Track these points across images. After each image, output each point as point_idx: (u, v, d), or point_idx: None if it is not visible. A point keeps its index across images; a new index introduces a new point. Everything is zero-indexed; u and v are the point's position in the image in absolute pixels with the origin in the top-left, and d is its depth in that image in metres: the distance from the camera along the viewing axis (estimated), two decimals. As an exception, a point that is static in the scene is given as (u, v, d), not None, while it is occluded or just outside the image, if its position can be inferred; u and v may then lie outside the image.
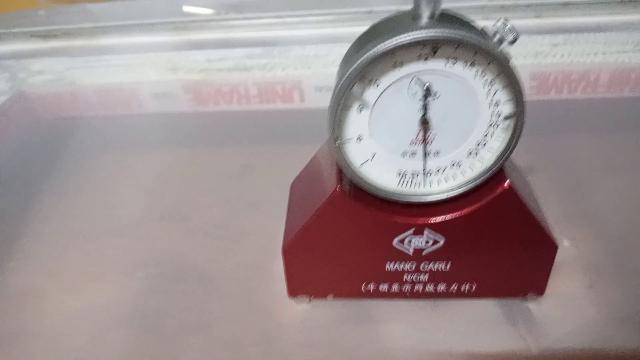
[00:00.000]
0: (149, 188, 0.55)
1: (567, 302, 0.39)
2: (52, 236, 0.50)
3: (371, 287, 0.38)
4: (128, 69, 0.77)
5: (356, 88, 0.30)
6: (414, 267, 0.36)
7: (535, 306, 0.39)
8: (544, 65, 0.66)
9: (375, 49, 0.28)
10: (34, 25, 0.88)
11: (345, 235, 0.35)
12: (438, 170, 0.33)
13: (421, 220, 0.34)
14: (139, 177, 0.57)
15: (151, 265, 0.45)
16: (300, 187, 0.41)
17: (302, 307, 0.40)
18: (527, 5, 0.75)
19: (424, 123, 0.31)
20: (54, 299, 0.43)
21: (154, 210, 0.52)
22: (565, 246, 0.43)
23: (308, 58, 0.71)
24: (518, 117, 0.30)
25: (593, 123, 0.59)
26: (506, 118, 0.31)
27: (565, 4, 0.75)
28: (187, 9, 0.85)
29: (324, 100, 0.66)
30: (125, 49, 0.84)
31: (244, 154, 0.59)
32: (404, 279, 0.37)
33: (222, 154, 0.60)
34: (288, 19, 0.80)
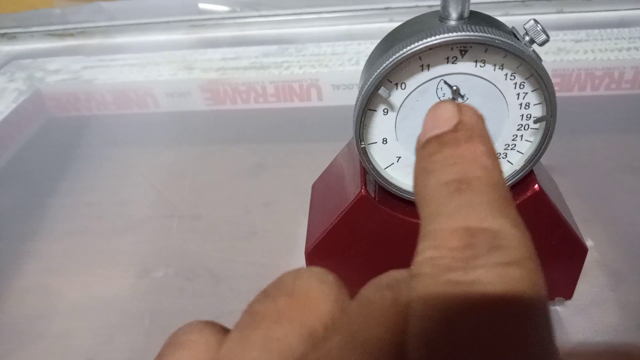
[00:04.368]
0: (160, 186, 0.55)
1: (591, 305, 0.38)
2: (63, 233, 0.50)
3: (395, 290, 0.37)
4: (143, 68, 0.77)
5: (382, 91, 0.29)
6: (439, 270, 0.36)
7: (560, 309, 0.38)
8: (566, 61, 0.65)
9: (402, 51, 0.28)
10: (50, 24, 0.88)
11: (370, 238, 0.35)
12: (465, 174, 0.32)
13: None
14: (150, 174, 0.57)
15: (161, 263, 0.45)
16: (323, 188, 0.40)
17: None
18: (549, 0, 0.74)
19: (452, 126, 0.30)
20: (62, 296, 0.43)
21: (164, 208, 0.52)
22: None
23: (325, 56, 0.71)
24: (549, 119, 0.29)
25: (615, 121, 0.58)
26: (536, 121, 0.30)
27: (588, -2, 0.74)
28: (202, 6, 0.85)
29: (341, 98, 0.66)
30: (140, 47, 0.84)
31: (257, 153, 0.59)
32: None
33: (236, 153, 0.60)
34: (304, 16, 0.80)
